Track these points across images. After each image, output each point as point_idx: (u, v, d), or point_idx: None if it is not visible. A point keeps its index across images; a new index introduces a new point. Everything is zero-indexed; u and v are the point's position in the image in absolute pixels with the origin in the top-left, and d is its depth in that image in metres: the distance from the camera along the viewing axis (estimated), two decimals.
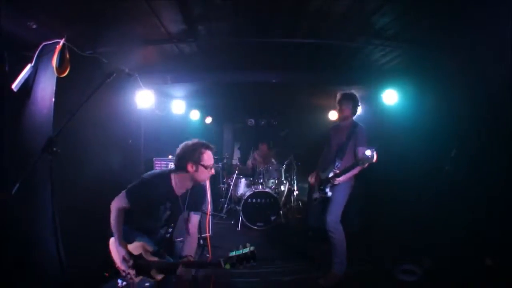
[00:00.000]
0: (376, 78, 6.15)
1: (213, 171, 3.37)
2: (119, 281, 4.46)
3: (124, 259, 3.19)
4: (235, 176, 8.79)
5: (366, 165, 4.27)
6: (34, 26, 3.72)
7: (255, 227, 7.57)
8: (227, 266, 2.78)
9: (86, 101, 2.98)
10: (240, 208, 7.67)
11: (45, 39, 3.96)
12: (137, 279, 3.25)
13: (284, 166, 9.10)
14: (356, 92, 4.97)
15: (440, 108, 5.17)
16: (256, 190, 7.80)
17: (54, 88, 3.88)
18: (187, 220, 3.51)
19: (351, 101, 4.83)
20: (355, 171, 4.50)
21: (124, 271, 3.23)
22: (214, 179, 9.48)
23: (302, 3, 3.73)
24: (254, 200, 7.71)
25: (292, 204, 9.20)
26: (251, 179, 8.70)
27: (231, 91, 8.02)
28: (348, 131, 4.75)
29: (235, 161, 10.74)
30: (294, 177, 9.35)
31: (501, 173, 4.11)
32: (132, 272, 3.20)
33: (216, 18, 4.14)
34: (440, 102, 5.21)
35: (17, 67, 3.90)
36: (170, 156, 6.72)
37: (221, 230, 7.58)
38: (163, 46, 4.95)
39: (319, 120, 9.64)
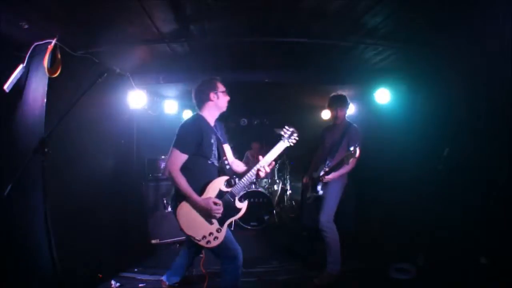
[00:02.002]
0: (368, 77, 6.17)
1: (228, 97, 3.81)
2: (113, 282, 4.47)
3: (215, 204, 3.33)
4: None
5: (351, 160, 4.28)
6: (26, 26, 3.71)
7: (249, 227, 7.57)
8: (287, 143, 3.58)
9: (78, 102, 2.97)
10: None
11: (37, 39, 3.94)
12: (220, 235, 3.39)
13: (277, 166, 9.11)
14: (347, 92, 4.98)
15: (432, 107, 5.20)
16: (249, 190, 7.80)
17: (46, 88, 3.86)
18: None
19: (341, 102, 4.85)
20: (343, 170, 4.51)
21: (217, 213, 3.35)
22: None
23: (294, 2, 3.73)
24: (247, 199, 7.68)
25: (285, 203, 9.21)
26: None
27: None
28: (342, 131, 4.77)
29: None
30: (287, 176, 9.36)
31: (494, 172, 4.13)
32: (215, 225, 3.39)
33: (208, 18, 4.14)
34: (432, 101, 5.24)
35: (8, 68, 3.88)
36: (163, 157, 6.70)
37: None
38: (155, 46, 4.93)
39: (312, 119, 9.65)
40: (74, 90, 3.31)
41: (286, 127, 3.64)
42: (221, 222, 3.40)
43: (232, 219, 3.51)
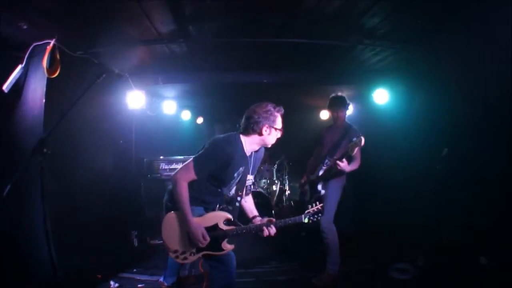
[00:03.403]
0: (367, 77, 6.19)
1: (279, 135, 3.34)
2: (112, 282, 4.46)
3: (204, 236, 3.08)
4: None
5: (356, 150, 4.25)
6: (25, 27, 3.71)
7: None
8: (306, 220, 3.26)
9: (76, 102, 2.97)
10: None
11: (36, 40, 3.93)
12: (192, 258, 3.22)
13: (275, 166, 9.10)
14: (345, 92, 4.97)
15: (430, 108, 5.21)
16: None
17: (45, 89, 3.86)
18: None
19: (341, 104, 4.83)
20: (353, 165, 4.48)
21: (200, 244, 3.10)
22: None
23: (293, 3, 3.74)
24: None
25: (284, 204, 9.19)
26: None
27: (223, 92, 8.01)
28: (342, 132, 4.76)
29: None
30: (286, 177, 9.34)
31: (492, 171, 4.14)
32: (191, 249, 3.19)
33: (207, 18, 4.14)
34: (430, 101, 5.25)
35: (7, 68, 3.87)
36: (161, 157, 6.71)
37: None
38: (154, 47, 4.94)
39: (310, 120, 9.64)
40: (73, 91, 3.30)
41: (317, 203, 3.38)
42: (199, 250, 3.19)
43: (211, 253, 3.21)
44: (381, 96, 6.28)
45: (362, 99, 7.20)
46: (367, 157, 4.63)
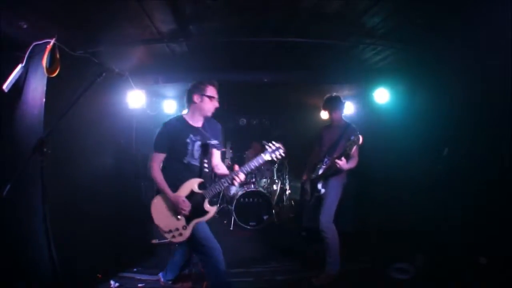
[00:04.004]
0: (367, 77, 6.18)
1: (216, 104, 3.79)
2: (112, 282, 4.46)
3: (184, 202, 3.51)
4: None
5: (354, 149, 4.26)
6: (25, 26, 3.71)
7: (248, 227, 7.56)
8: (267, 157, 3.66)
9: (76, 101, 2.96)
10: (233, 207, 7.67)
11: (36, 39, 3.93)
12: (186, 233, 3.57)
13: (276, 165, 9.10)
14: (346, 91, 4.97)
15: (431, 107, 5.20)
16: (248, 190, 7.80)
17: (45, 88, 3.86)
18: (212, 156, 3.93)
19: (334, 104, 4.83)
20: (352, 163, 4.48)
21: (184, 210, 3.52)
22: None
23: (293, 2, 3.73)
24: (246, 199, 7.73)
25: (284, 203, 9.18)
26: None
27: (223, 91, 7.97)
28: (341, 131, 4.75)
29: (227, 161, 10.71)
30: (286, 176, 9.34)
31: (493, 171, 4.14)
32: (182, 222, 3.57)
33: (207, 18, 4.14)
34: (431, 101, 5.24)
35: (7, 67, 3.87)
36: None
37: (214, 230, 7.52)
38: (154, 46, 4.95)
39: (311, 119, 9.61)
40: (73, 90, 3.30)
41: (273, 142, 3.73)
42: (188, 220, 3.57)
43: (199, 220, 3.61)
44: (382, 96, 6.27)
45: (363, 98, 7.19)
46: (368, 156, 4.65)
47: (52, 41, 3.84)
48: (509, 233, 3.79)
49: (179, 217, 3.56)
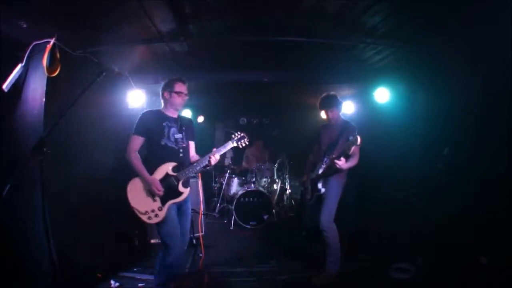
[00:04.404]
0: (367, 76, 6.18)
1: (184, 98, 4.09)
2: (112, 282, 4.46)
3: (155, 185, 3.71)
4: (227, 175, 8.77)
5: (353, 149, 4.25)
6: (25, 26, 3.70)
7: (248, 226, 7.55)
8: (234, 144, 4.22)
9: (76, 101, 2.96)
10: (233, 207, 7.66)
11: (35, 39, 3.93)
12: (161, 214, 3.75)
13: (276, 165, 9.10)
14: (346, 91, 4.96)
15: (432, 106, 5.20)
16: (248, 189, 7.80)
17: (45, 88, 3.86)
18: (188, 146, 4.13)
19: (330, 104, 4.78)
20: (351, 162, 4.47)
21: (158, 191, 3.72)
22: (206, 179, 9.46)
23: (294, 2, 3.73)
24: (246, 199, 7.72)
25: (284, 202, 9.19)
26: (243, 178, 8.69)
27: (223, 90, 8.02)
28: (339, 130, 4.72)
29: (228, 160, 10.71)
30: (287, 175, 9.34)
31: (493, 170, 4.13)
32: (157, 203, 3.76)
33: (207, 17, 4.14)
34: (432, 100, 5.24)
35: (7, 67, 3.86)
36: None
37: (214, 229, 7.55)
38: (154, 46, 4.95)
39: (311, 119, 9.62)
40: (73, 90, 3.30)
41: (238, 132, 4.32)
42: (163, 201, 3.77)
43: (174, 200, 3.83)
44: (382, 95, 6.27)
45: (363, 98, 7.20)
46: (368, 156, 4.64)
47: (52, 41, 3.83)
48: (509, 232, 3.79)
49: (155, 198, 3.75)
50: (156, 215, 3.73)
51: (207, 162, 3.93)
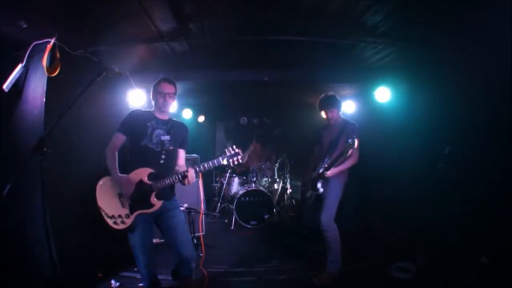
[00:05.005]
0: (368, 75, 6.17)
1: (170, 98, 3.75)
2: (113, 281, 4.46)
3: (128, 182, 3.50)
4: (228, 175, 8.77)
5: (350, 152, 4.28)
6: (25, 26, 3.70)
7: (249, 226, 7.54)
8: (225, 162, 3.65)
9: (76, 101, 2.96)
10: (234, 206, 7.67)
11: (36, 39, 3.93)
12: (128, 221, 3.54)
13: (277, 165, 9.09)
14: (347, 90, 4.95)
15: (433, 106, 5.20)
16: (249, 189, 7.79)
17: (45, 87, 3.86)
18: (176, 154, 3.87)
19: (329, 104, 4.81)
20: (345, 165, 4.51)
21: (126, 191, 3.51)
22: (207, 178, 9.45)
23: (294, 1, 3.72)
24: (247, 198, 7.71)
25: (285, 202, 9.19)
26: (244, 177, 8.68)
27: (224, 90, 8.01)
28: (339, 130, 4.74)
29: None
30: (287, 175, 9.33)
31: (494, 170, 4.13)
32: (126, 210, 3.54)
33: (208, 16, 4.13)
34: (432, 99, 5.24)
35: (8, 67, 3.87)
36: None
37: (215, 229, 7.55)
38: (155, 45, 4.93)
39: (311, 118, 9.61)
40: (73, 89, 3.30)
41: (234, 147, 3.70)
42: (131, 209, 3.53)
43: (143, 211, 3.54)
44: (383, 94, 6.27)
45: (364, 97, 7.18)
46: (369, 155, 4.64)
47: (52, 41, 3.83)
48: (510, 232, 3.79)
49: (123, 203, 3.55)
50: (122, 222, 3.52)
51: (180, 178, 3.55)
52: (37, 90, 3.96)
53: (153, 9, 3.78)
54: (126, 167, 3.58)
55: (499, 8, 3.48)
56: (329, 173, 4.50)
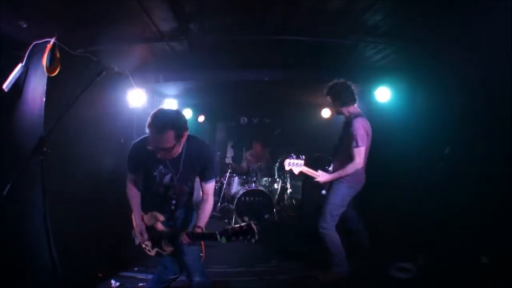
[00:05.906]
0: (368, 75, 6.16)
1: (166, 152, 3.06)
2: (113, 281, 4.46)
3: (140, 232, 3.39)
4: (228, 174, 8.76)
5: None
6: (25, 26, 3.70)
7: None
8: (223, 240, 3.06)
9: (76, 100, 2.95)
10: (233, 206, 7.67)
11: (36, 38, 3.93)
12: (152, 252, 3.49)
13: (277, 164, 9.08)
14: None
15: (433, 106, 5.19)
16: (249, 189, 7.77)
17: (45, 87, 3.86)
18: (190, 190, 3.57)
19: (331, 93, 4.78)
20: (337, 174, 4.43)
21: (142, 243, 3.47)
22: None
23: (294, 0, 3.72)
24: (247, 198, 7.68)
25: (285, 202, 9.17)
26: (244, 177, 8.67)
27: (224, 90, 8.01)
28: (345, 129, 4.60)
29: (228, 160, 10.70)
30: (288, 175, 9.32)
31: (495, 169, 4.13)
32: (149, 244, 3.46)
33: (208, 16, 4.13)
34: (433, 99, 5.24)
35: (7, 67, 3.86)
36: None
37: (215, 229, 7.51)
38: (155, 45, 4.93)
39: (312, 118, 9.63)
40: (73, 89, 3.29)
41: (248, 224, 3.22)
42: (152, 245, 3.46)
43: (159, 250, 3.44)
44: (383, 94, 6.26)
45: (364, 97, 7.16)
46: (369, 155, 4.61)
47: (52, 40, 3.83)
48: (510, 232, 3.79)
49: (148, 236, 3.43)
50: (149, 251, 3.51)
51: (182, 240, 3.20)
52: (37, 90, 3.96)
53: (153, 8, 3.77)
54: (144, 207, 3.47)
55: (499, 8, 3.47)
56: (319, 178, 4.44)
